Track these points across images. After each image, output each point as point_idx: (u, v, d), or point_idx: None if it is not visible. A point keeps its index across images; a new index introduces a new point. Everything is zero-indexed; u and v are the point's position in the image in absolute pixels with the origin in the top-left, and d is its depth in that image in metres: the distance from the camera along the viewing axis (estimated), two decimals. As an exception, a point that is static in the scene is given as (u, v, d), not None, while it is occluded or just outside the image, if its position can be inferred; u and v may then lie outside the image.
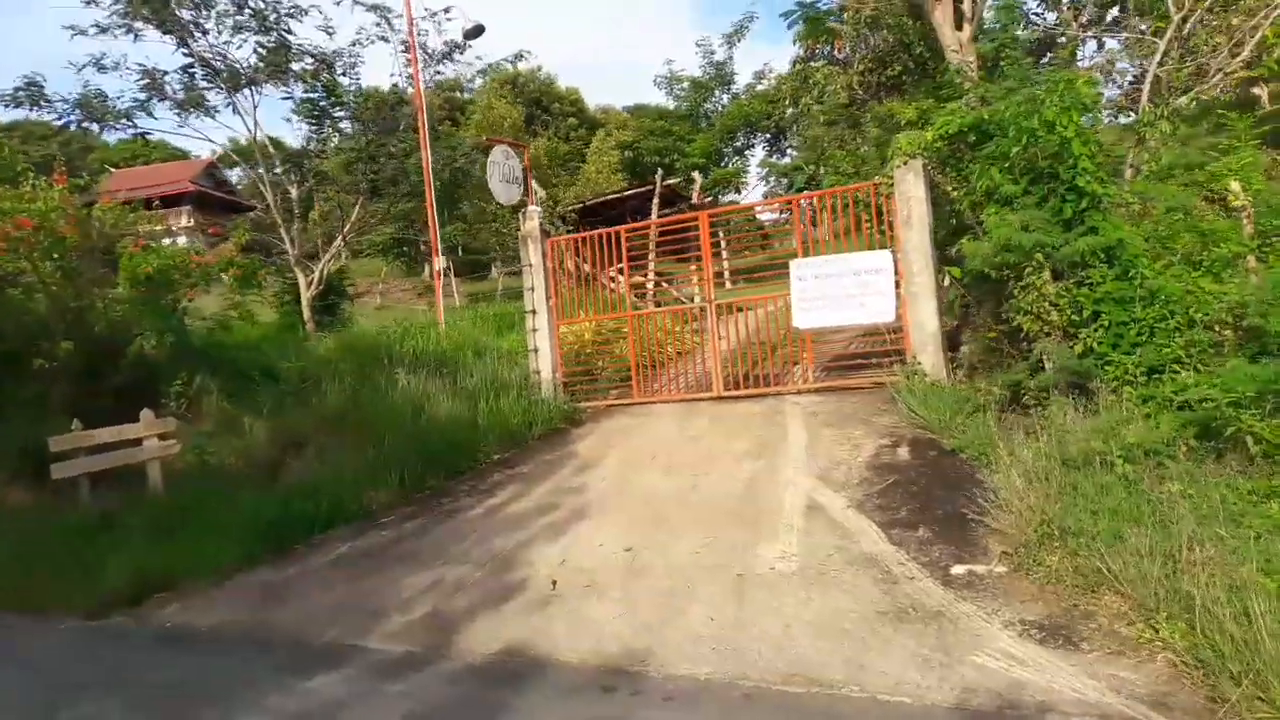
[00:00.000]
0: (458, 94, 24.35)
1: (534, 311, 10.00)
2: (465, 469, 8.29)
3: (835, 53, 22.98)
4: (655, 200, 17.61)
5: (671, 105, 43.02)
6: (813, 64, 22.96)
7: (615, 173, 22.44)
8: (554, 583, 5.41)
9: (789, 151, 42.89)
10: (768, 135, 39.92)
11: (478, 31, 12.47)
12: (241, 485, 9.13)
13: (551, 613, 4.99)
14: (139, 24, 12.89)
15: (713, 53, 39.61)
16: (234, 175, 52.72)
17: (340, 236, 14.46)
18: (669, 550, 5.67)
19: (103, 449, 8.87)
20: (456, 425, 8.54)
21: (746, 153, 39.05)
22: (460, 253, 28.40)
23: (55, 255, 9.58)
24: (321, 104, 14.00)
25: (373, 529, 7.14)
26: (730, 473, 7.03)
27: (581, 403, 9.85)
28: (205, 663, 4.94)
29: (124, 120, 13.05)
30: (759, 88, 37.70)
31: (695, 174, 22.20)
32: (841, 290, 8.81)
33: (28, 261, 9.54)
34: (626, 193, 18.09)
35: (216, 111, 13.50)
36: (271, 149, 14.43)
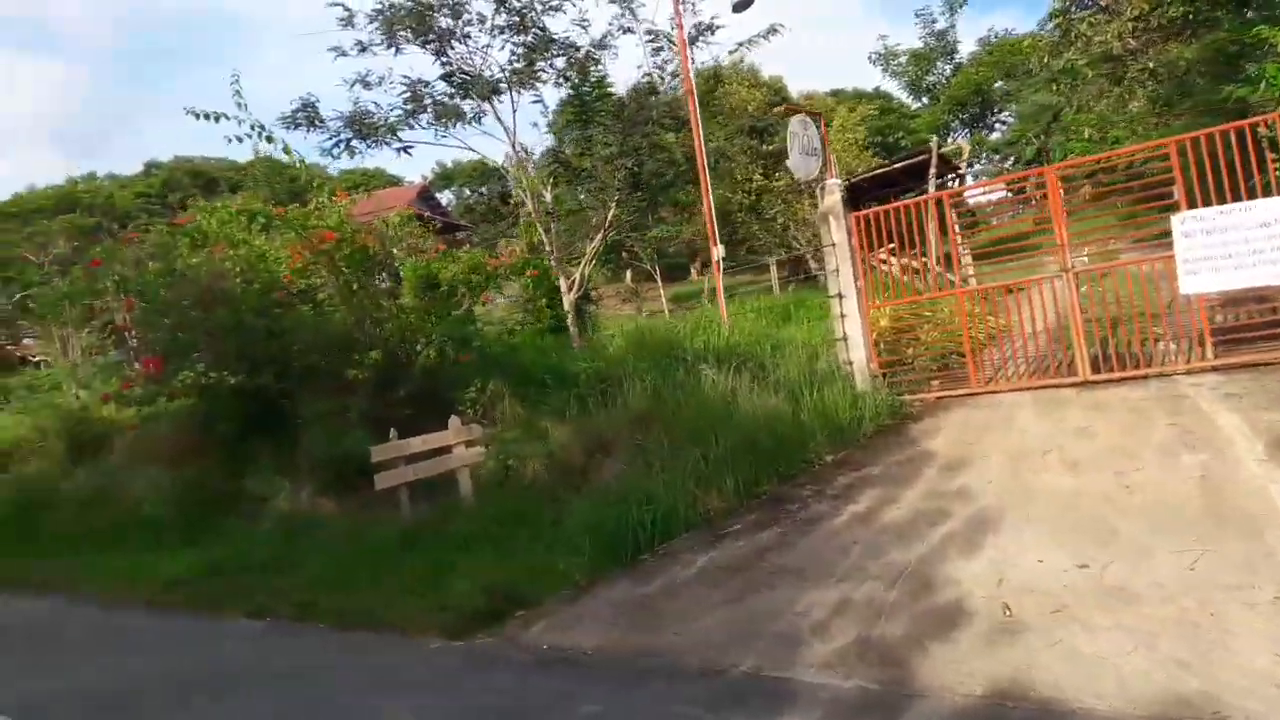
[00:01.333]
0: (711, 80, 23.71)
1: (841, 295, 9.17)
2: (796, 471, 7.57)
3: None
4: (932, 170, 16.26)
5: (883, 83, 41.04)
6: (1074, 14, 20.77)
7: (863, 149, 21.18)
8: (1006, 608, 4.52)
9: (996, 126, 39.72)
10: (971, 112, 37.14)
11: (747, 2, 11.84)
12: (550, 492, 8.94)
13: (1029, 645, 4.11)
14: (400, 36, 13.29)
15: (934, 21, 37.42)
16: (444, 198, 56.02)
17: (600, 235, 14.37)
18: (1143, 566, 4.64)
19: (414, 459, 8.94)
20: (778, 423, 7.85)
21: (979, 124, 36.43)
22: (656, 256, 27.85)
23: (353, 267, 9.85)
24: (586, 100, 13.90)
25: (721, 539, 6.55)
26: (1168, 469, 5.84)
27: (902, 395, 8.88)
28: (621, 695, 4.44)
29: (390, 135, 13.53)
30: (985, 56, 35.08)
31: (962, 142, 20.53)
32: (1245, 246, 7.33)
33: (331, 272, 9.85)
34: (896, 165, 16.89)
35: (477, 118, 13.72)
36: (524, 152, 14.56)
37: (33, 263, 43.88)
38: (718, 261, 10.44)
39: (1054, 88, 21.64)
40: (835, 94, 46.22)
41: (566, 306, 13.57)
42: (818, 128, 9.48)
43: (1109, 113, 22.38)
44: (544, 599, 6.19)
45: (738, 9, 11.87)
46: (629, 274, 34.66)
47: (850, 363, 9.11)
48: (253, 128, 10.34)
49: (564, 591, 6.23)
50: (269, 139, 10.35)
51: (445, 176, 63.60)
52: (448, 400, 11.02)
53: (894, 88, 41.03)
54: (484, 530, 7.90)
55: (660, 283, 29.38)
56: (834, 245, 9.17)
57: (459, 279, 9.54)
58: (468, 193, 58.25)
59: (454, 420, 9.26)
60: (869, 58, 41.19)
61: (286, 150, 10.19)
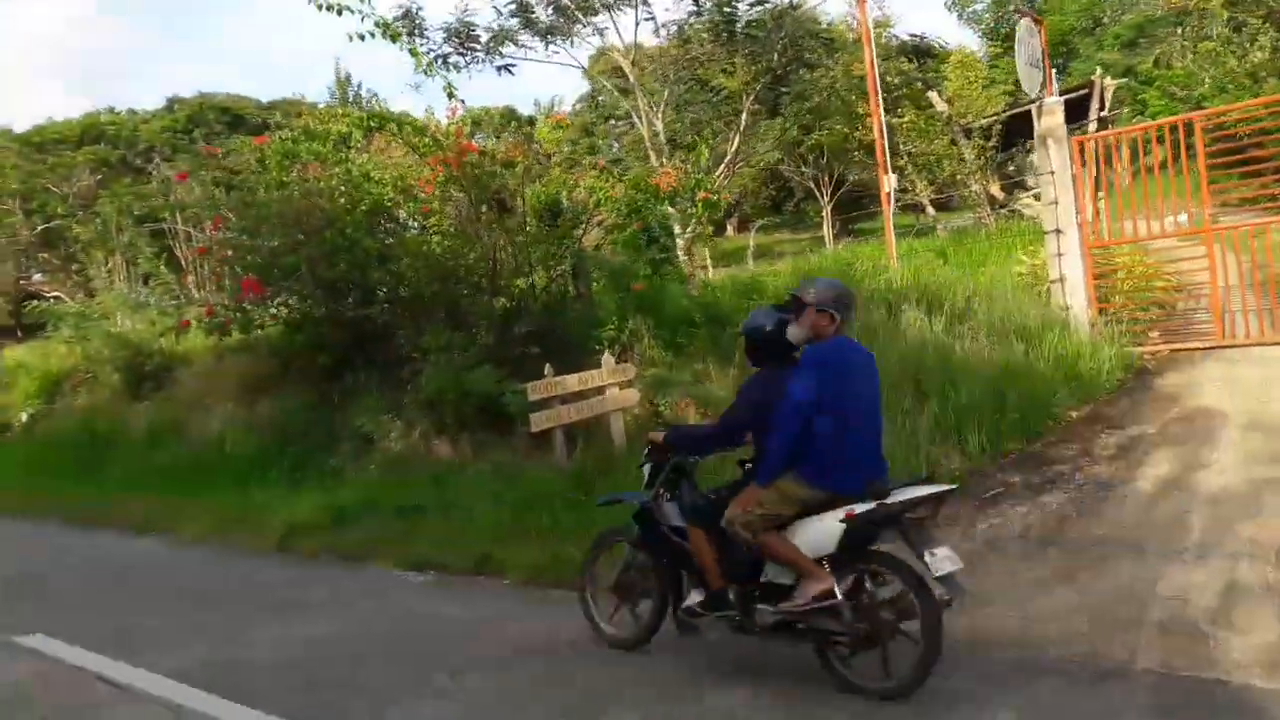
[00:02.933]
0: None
1: (1059, 231, 8.14)
2: (1041, 429, 6.62)
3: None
4: (1095, 103, 15.05)
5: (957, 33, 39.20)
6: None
7: (987, 88, 19.78)
8: None
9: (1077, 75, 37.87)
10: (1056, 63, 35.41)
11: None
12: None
13: None
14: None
15: (1011, -38, 35.43)
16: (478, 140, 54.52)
17: (726, 164, 13.29)
18: None
19: (567, 399, 8.04)
20: (1012, 373, 6.90)
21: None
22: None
23: (482, 189, 8.84)
24: (728, 11, 12.71)
25: (992, 505, 5.63)
26: None
27: (1127, 346, 7.88)
28: (1028, 694, 3.54)
29: (497, 48, 12.45)
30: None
31: (1108, 79, 19.20)
32: None
33: (464, 191, 8.87)
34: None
35: (585, 29, 12.55)
36: (632, 70, 13.39)
37: (56, 194, 43.08)
38: (888, 193, 9.42)
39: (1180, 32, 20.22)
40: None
41: (679, 246, 12.55)
42: (1039, 36, 8.36)
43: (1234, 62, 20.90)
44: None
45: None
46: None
47: (1068, 307, 8.11)
48: (377, 24, 9.33)
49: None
50: (394, 37, 9.34)
51: (475, 121, 62.23)
52: (571, 339, 10.14)
53: (970, 38, 39.29)
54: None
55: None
56: (1053, 173, 8.12)
57: (613, 201, 8.51)
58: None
59: (607, 358, 8.37)
60: (945, 5, 39.18)
61: (414, 53, 9.16)
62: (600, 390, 8.23)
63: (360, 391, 10.83)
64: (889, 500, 3.49)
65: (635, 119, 13.23)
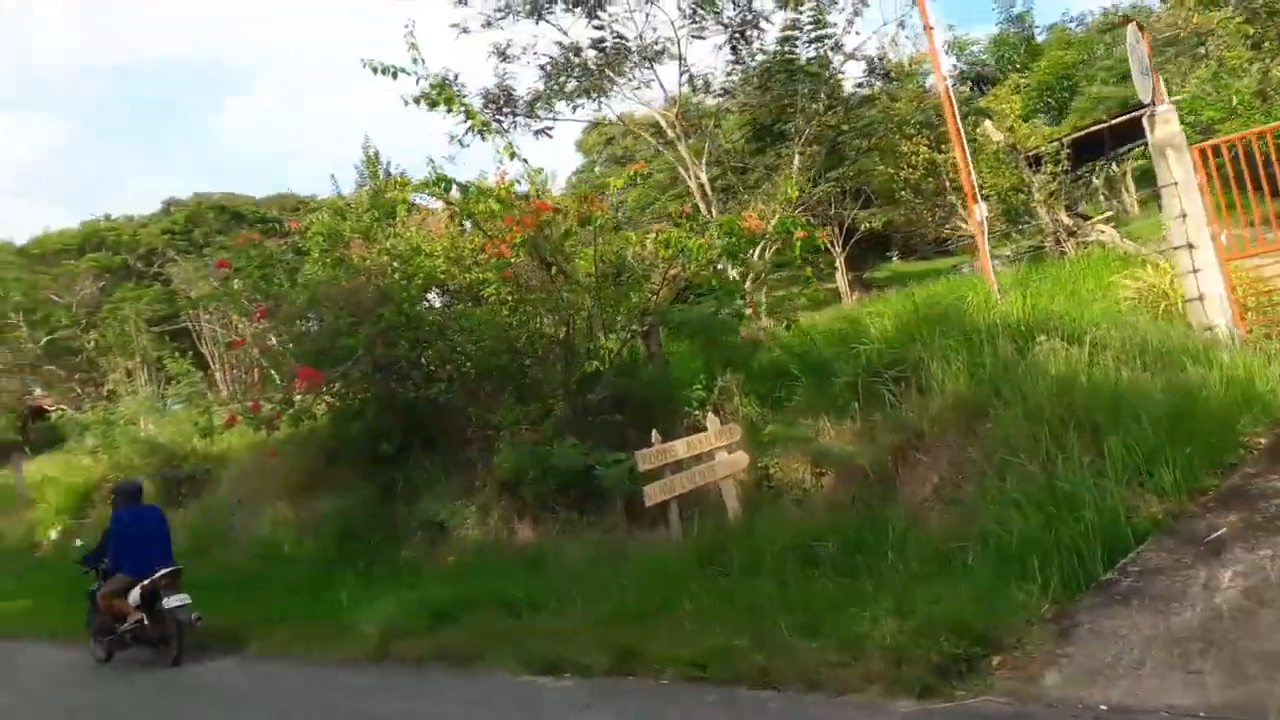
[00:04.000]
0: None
1: (1191, 246, 7.60)
2: (1232, 459, 5.96)
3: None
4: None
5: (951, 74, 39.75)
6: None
7: (1025, 119, 19.58)
8: None
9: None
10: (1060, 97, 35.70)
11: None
12: (836, 506, 7.42)
13: None
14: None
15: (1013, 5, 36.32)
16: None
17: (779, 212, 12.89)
18: None
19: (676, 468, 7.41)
20: (1185, 402, 6.27)
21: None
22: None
23: (557, 250, 8.37)
24: (792, 58, 12.44)
25: (1211, 551, 4.94)
26: None
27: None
28: None
29: (535, 111, 12.16)
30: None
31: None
32: None
33: (535, 255, 8.37)
34: (1111, 122, 15.39)
35: (632, 82, 12.29)
36: (678, 121, 13.09)
37: (59, 304, 42.95)
38: (981, 222, 8.94)
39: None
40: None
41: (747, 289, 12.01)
42: (1142, 42, 7.97)
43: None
44: (1003, 637, 4.62)
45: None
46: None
47: (1211, 326, 7.52)
48: (433, 86, 9.04)
49: (1030, 627, 4.66)
50: (449, 100, 9.05)
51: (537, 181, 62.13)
52: (651, 401, 9.56)
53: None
54: (806, 551, 6.33)
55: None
56: (1176, 184, 7.62)
57: (701, 248, 7.97)
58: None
59: (712, 419, 7.76)
60: (943, 47, 39.75)
61: (471, 114, 8.78)
62: (708, 454, 7.61)
63: (424, 478, 10.20)
64: (156, 577, 7.86)
65: (682, 171, 12.86)
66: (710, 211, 12.37)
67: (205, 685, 7.34)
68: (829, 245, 21.43)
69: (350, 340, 9.52)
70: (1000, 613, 4.74)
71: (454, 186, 8.09)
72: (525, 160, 8.70)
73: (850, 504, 7.23)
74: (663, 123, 13.27)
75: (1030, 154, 13.61)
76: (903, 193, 15.47)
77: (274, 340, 12.04)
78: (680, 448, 7.31)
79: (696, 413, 8.85)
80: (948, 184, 14.44)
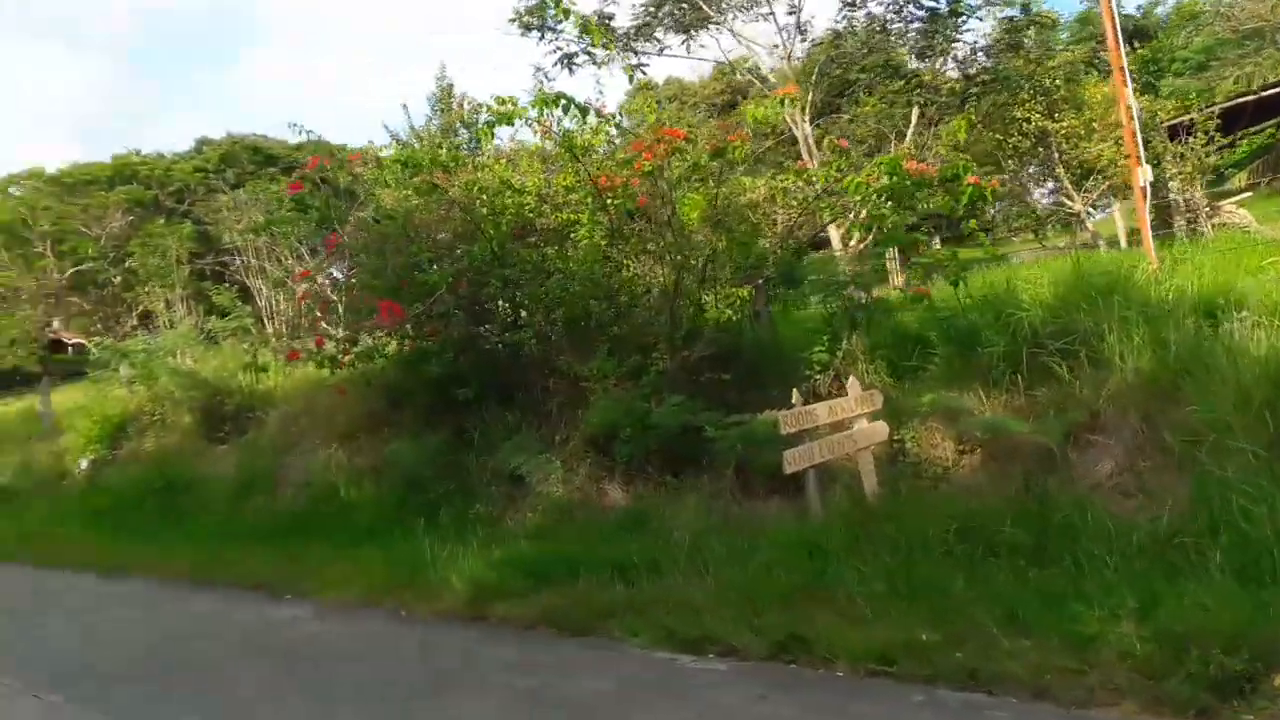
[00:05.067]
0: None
1: None
2: None
3: None
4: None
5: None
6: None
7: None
8: None
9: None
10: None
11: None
12: (991, 487, 6.70)
13: None
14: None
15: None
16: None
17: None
18: None
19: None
20: None
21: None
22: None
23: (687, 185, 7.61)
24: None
25: None
26: None
27: None
28: None
29: (632, 43, 11.35)
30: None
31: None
32: None
33: (657, 193, 7.62)
34: (1264, 93, 14.34)
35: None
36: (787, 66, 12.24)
37: (88, 236, 42.47)
38: (1143, 187, 8.12)
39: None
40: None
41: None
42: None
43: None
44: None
45: None
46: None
47: None
48: (582, 29, 8.15)
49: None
50: (606, 45, 8.20)
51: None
52: (760, 363, 8.85)
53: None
54: (984, 535, 5.61)
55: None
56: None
57: (864, 189, 7.16)
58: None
59: (853, 383, 7.02)
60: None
61: (590, 28, 8.00)
62: (847, 422, 6.88)
63: (501, 429, 9.51)
64: None
65: (789, 120, 12.02)
66: (814, 163, 11.51)
67: (293, 639, 6.70)
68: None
69: (432, 276, 8.83)
70: (1270, 621, 4.03)
71: (573, 106, 7.27)
72: (647, 76, 7.92)
73: (1010, 485, 6.51)
74: (763, 64, 12.44)
75: (1168, 124, 12.66)
76: (1009, 161, 14.50)
77: (338, 274, 11.32)
78: (822, 412, 6.58)
79: (817, 377, 8.13)
80: (1057, 156, 13.56)
